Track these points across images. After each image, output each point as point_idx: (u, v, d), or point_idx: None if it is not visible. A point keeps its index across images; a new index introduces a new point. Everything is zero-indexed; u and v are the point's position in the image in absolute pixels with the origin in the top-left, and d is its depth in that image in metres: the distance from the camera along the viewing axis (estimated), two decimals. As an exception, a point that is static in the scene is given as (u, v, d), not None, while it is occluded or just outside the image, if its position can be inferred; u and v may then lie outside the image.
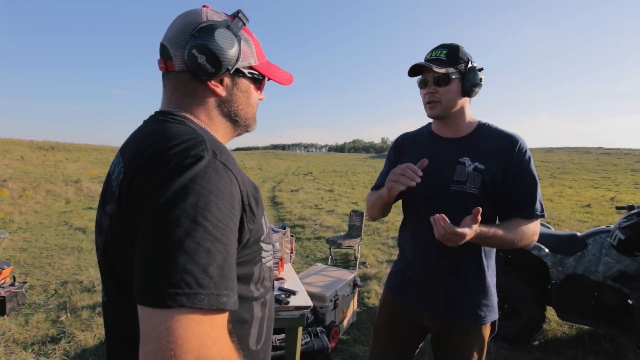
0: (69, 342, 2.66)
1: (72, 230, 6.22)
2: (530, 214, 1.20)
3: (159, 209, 0.51)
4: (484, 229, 1.13)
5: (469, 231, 1.06)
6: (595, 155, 58.00)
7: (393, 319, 1.38)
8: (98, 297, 3.46)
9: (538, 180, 1.23)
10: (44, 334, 2.78)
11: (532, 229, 1.21)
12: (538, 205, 1.21)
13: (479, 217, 1.07)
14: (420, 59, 1.24)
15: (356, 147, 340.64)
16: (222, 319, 0.52)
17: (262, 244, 0.68)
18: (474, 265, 1.24)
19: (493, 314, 1.27)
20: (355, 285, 3.12)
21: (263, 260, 0.70)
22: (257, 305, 0.70)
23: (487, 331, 1.27)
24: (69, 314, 3.10)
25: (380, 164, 51.57)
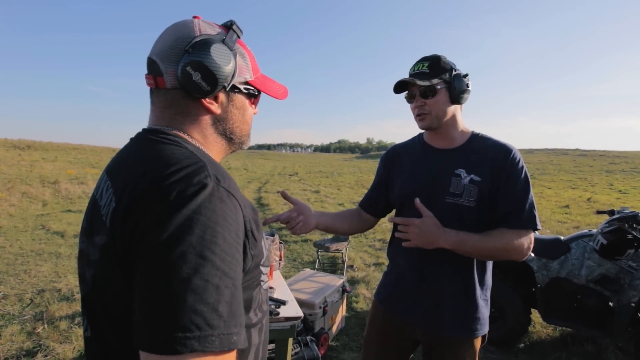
0: (46, 356, 2.54)
1: (49, 235, 5.98)
2: (518, 224, 1.14)
3: (162, 244, 0.47)
4: (462, 233, 1.12)
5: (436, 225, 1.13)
6: (573, 156, 59.91)
7: (384, 332, 1.36)
8: (77, 307, 3.32)
9: (531, 192, 1.18)
10: (19, 347, 2.64)
11: (519, 240, 1.14)
12: (528, 216, 1.14)
13: (424, 208, 1.15)
14: (404, 61, 1.24)
15: (342, 148, 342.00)
16: (232, 357, 0.49)
17: (262, 268, 0.65)
18: (467, 279, 1.22)
19: (484, 327, 1.26)
20: (344, 290, 3.10)
21: (262, 283, 0.67)
22: (255, 332, 0.67)
23: (478, 344, 1.28)
24: (46, 325, 2.95)
25: (365, 164, 51.89)
